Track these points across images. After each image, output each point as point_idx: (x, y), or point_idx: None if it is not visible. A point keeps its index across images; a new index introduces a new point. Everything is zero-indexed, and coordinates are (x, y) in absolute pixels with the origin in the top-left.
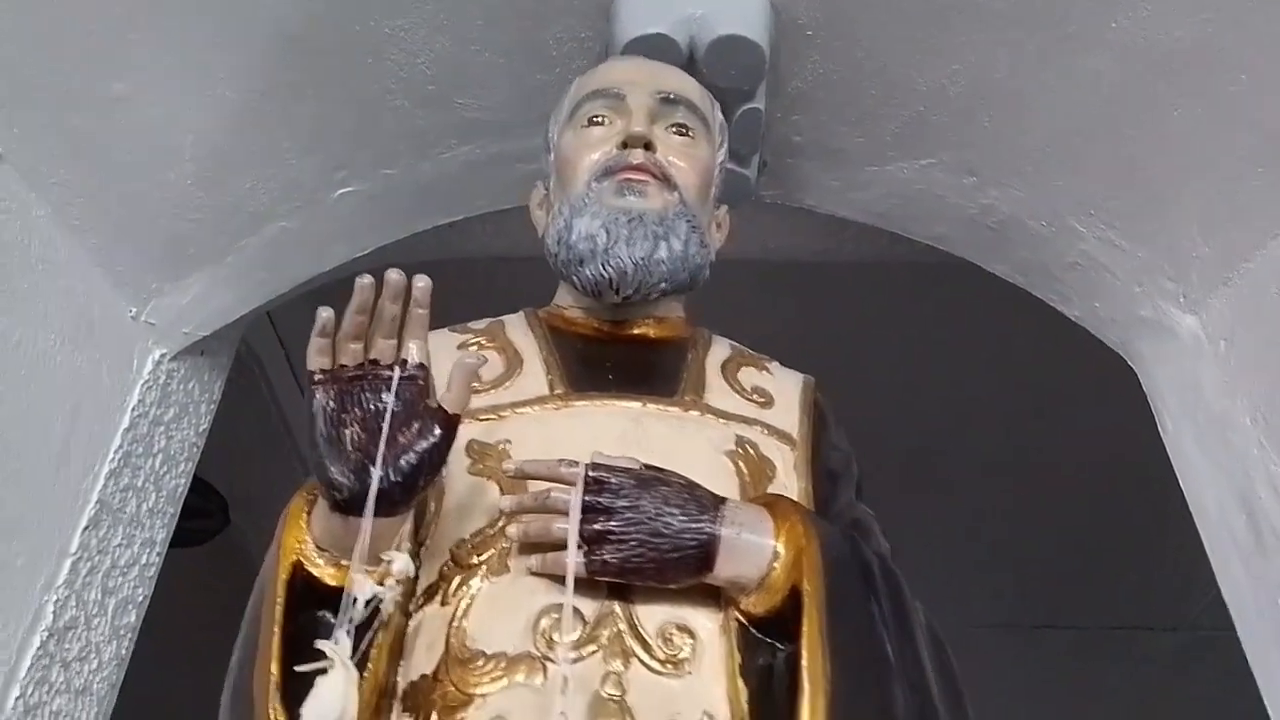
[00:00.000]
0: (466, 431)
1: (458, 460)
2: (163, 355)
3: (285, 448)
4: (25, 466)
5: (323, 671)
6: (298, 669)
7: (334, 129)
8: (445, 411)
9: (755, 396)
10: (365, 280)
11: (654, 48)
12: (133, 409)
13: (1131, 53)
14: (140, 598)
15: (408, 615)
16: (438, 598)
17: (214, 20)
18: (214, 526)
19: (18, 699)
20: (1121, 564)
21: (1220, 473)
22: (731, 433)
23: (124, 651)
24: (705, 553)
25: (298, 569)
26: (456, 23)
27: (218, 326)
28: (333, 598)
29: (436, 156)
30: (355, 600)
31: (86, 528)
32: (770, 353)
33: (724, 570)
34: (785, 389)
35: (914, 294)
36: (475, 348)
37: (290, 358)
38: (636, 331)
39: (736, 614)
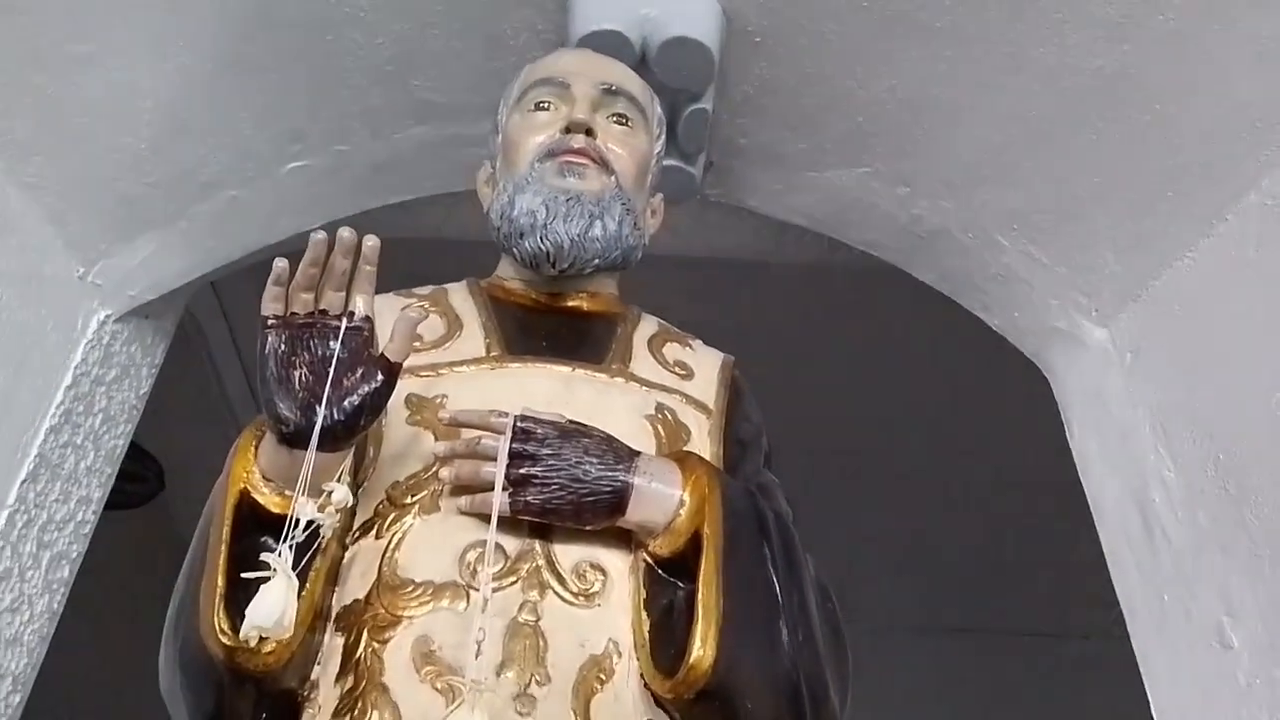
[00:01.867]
0: (406, 386)
1: (397, 411)
2: (107, 316)
3: (223, 417)
4: None
5: (266, 581)
6: (245, 575)
7: (290, 103)
8: (388, 360)
9: (677, 369)
10: (319, 235)
11: (608, 44)
12: (75, 367)
13: (1058, 76)
14: (74, 554)
15: (344, 547)
16: (373, 532)
17: None
18: (148, 491)
19: None
20: (1036, 571)
21: (1118, 476)
22: (653, 399)
23: (56, 605)
24: (619, 498)
25: (244, 496)
26: (416, 6)
27: (163, 291)
28: (276, 524)
29: (390, 136)
30: (298, 521)
31: (25, 481)
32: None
33: (634, 515)
34: (705, 364)
35: (849, 298)
36: (418, 311)
37: (232, 329)
38: (571, 304)
39: (645, 555)
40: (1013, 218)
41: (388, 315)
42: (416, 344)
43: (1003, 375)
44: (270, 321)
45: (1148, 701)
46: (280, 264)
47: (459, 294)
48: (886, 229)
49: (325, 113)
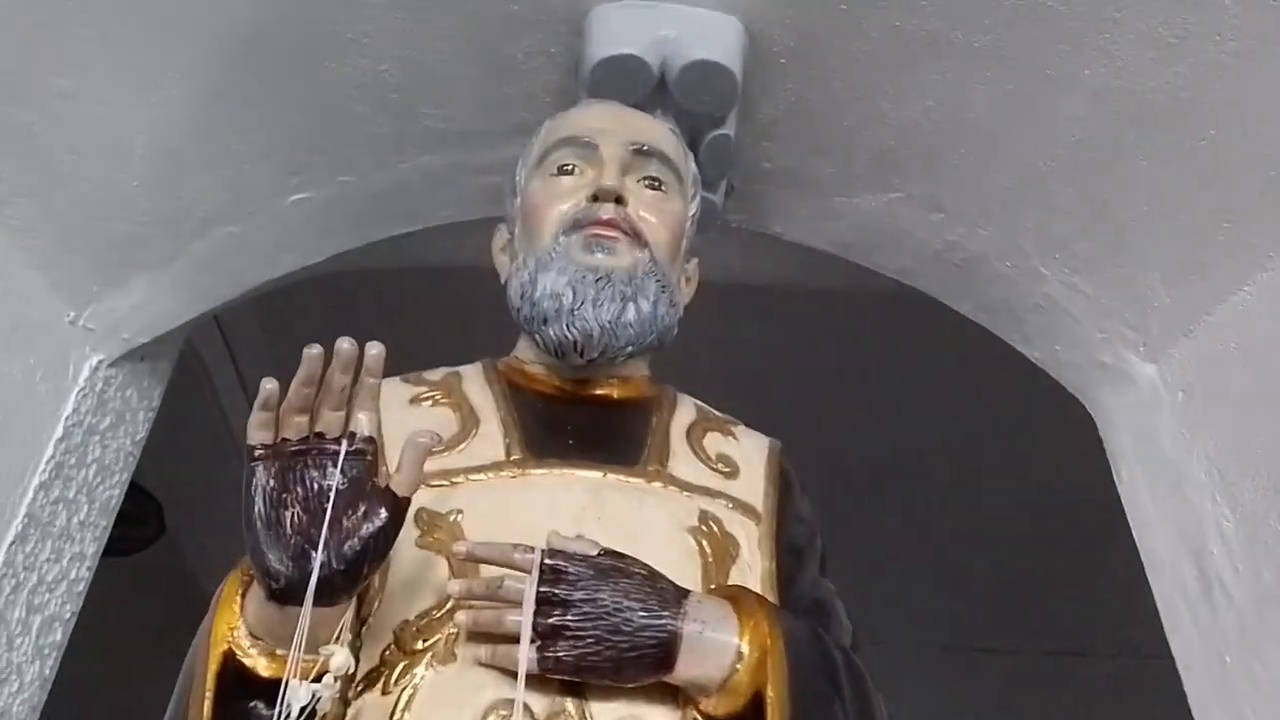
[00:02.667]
0: (416, 498)
1: (406, 531)
2: (100, 361)
3: (227, 451)
4: None
5: None
6: None
7: (290, 134)
8: (394, 493)
9: (720, 466)
10: (314, 351)
11: (625, 69)
12: (67, 418)
13: (1105, 100)
14: (67, 615)
15: (346, 703)
16: (379, 685)
17: (166, 16)
18: (148, 534)
19: None
20: (1064, 591)
21: (1173, 524)
22: (695, 507)
23: (48, 671)
24: (666, 652)
25: (229, 658)
26: (423, 32)
27: (160, 332)
28: (265, 687)
29: (396, 165)
30: (290, 709)
31: (13, 543)
32: (734, 375)
33: (685, 670)
34: (750, 457)
35: (877, 324)
36: (429, 403)
37: (236, 360)
38: (599, 392)
39: (696, 715)
40: (1055, 246)
41: (395, 408)
42: None
43: (1032, 398)
44: (258, 452)
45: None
46: (269, 385)
47: (474, 381)
48: (919, 256)
49: (327, 143)
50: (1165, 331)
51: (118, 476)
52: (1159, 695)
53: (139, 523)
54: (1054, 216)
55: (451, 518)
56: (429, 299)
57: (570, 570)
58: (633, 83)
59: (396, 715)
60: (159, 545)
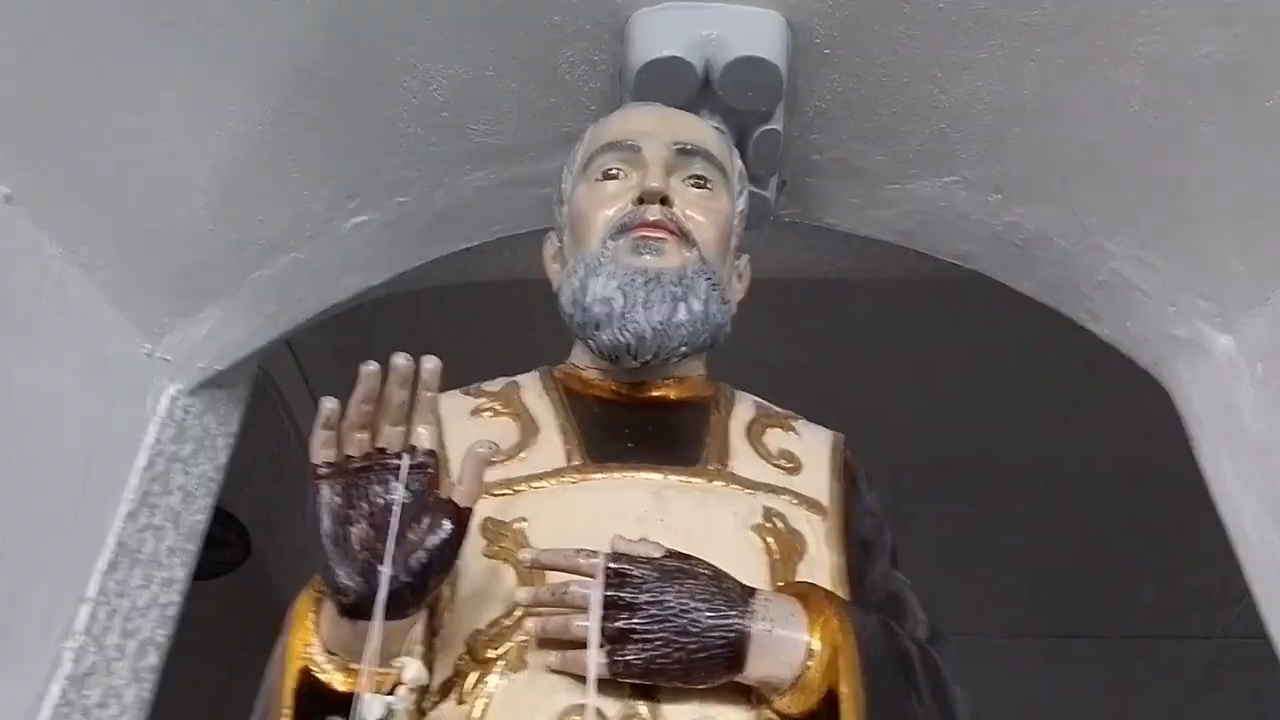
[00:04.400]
0: (481, 509)
1: (472, 540)
2: (179, 391)
3: (306, 474)
4: (41, 511)
5: None
6: None
7: (345, 158)
8: (456, 505)
9: (782, 461)
10: (370, 368)
11: (669, 71)
12: (150, 447)
13: (1162, 67)
14: (161, 638)
15: (422, 712)
16: (453, 695)
17: (220, 53)
18: (234, 557)
19: None
20: (1150, 572)
21: (1260, 498)
22: (758, 504)
23: (146, 694)
24: (735, 651)
25: (305, 675)
26: (469, 49)
27: (233, 360)
28: (342, 701)
29: (451, 183)
30: None
31: (105, 571)
32: (794, 370)
33: (755, 670)
34: (813, 450)
35: (939, 311)
36: (489, 414)
37: (309, 384)
38: (656, 394)
39: (770, 714)
40: (1119, 220)
41: (456, 421)
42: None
43: (1108, 381)
44: (321, 471)
45: (1271, 700)
46: (329, 404)
47: (532, 390)
48: (978, 239)
49: (382, 165)
50: (1239, 300)
51: (202, 502)
52: (1255, 677)
53: (225, 546)
54: (1116, 190)
55: (516, 526)
56: (490, 313)
57: (635, 573)
58: (677, 84)
59: None
60: (246, 567)
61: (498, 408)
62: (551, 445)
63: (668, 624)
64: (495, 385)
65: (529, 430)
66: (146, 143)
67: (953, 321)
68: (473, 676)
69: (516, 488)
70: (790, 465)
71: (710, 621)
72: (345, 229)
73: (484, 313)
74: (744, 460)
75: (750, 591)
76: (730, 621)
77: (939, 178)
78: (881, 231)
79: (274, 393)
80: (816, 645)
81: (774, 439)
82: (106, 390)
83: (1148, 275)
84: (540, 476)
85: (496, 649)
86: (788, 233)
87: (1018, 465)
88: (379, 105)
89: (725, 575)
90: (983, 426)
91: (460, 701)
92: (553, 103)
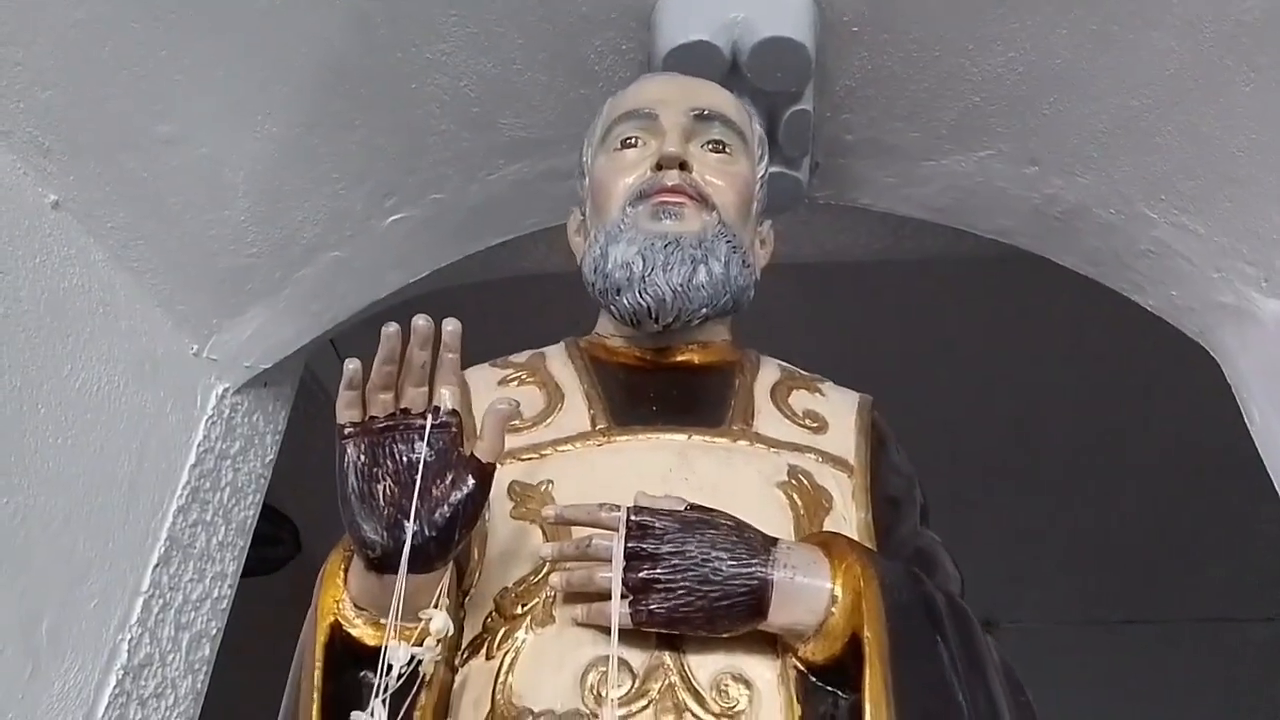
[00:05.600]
0: (508, 473)
1: (500, 504)
2: (226, 390)
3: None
4: (95, 508)
5: None
6: None
7: (381, 157)
8: (479, 460)
9: (808, 421)
10: (391, 329)
11: (696, 55)
12: (198, 445)
13: (1197, 28)
14: (214, 631)
15: (454, 670)
16: (483, 651)
17: (257, 58)
18: (286, 554)
19: None
20: (1210, 554)
21: None
22: (783, 462)
23: (200, 685)
24: (757, 599)
25: (336, 630)
26: (497, 44)
27: (279, 358)
28: (374, 657)
29: (485, 178)
30: (390, 667)
31: (157, 565)
32: (834, 357)
33: (778, 617)
34: (840, 411)
35: (980, 288)
36: (516, 383)
37: None
38: (680, 358)
39: (795, 661)
40: (1159, 186)
41: (484, 393)
42: (515, 423)
43: (1158, 352)
44: (347, 430)
45: None
46: (352, 365)
47: (558, 359)
48: (1017, 213)
49: (417, 162)
50: None
51: (251, 498)
52: None
53: (278, 544)
54: (1155, 156)
55: (543, 488)
56: (528, 307)
57: (657, 525)
58: (705, 68)
59: (500, 678)
60: (297, 564)
61: (524, 377)
62: (577, 410)
63: (690, 573)
64: (522, 357)
65: (554, 397)
66: (187, 148)
67: (996, 300)
68: (501, 632)
69: (543, 452)
70: (816, 425)
71: (732, 570)
72: (384, 227)
73: (523, 307)
74: (769, 420)
75: (772, 540)
76: (752, 569)
77: (974, 152)
78: (918, 210)
79: (321, 394)
80: (839, 591)
81: (800, 400)
82: (156, 390)
83: (1191, 242)
84: (566, 440)
85: (524, 605)
86: (823, 215)
87: (1071, 447)
88: (411, 103)
89: (747, 525)
90: (1033, 408)
91: (489, 657)
92: (583, 94)
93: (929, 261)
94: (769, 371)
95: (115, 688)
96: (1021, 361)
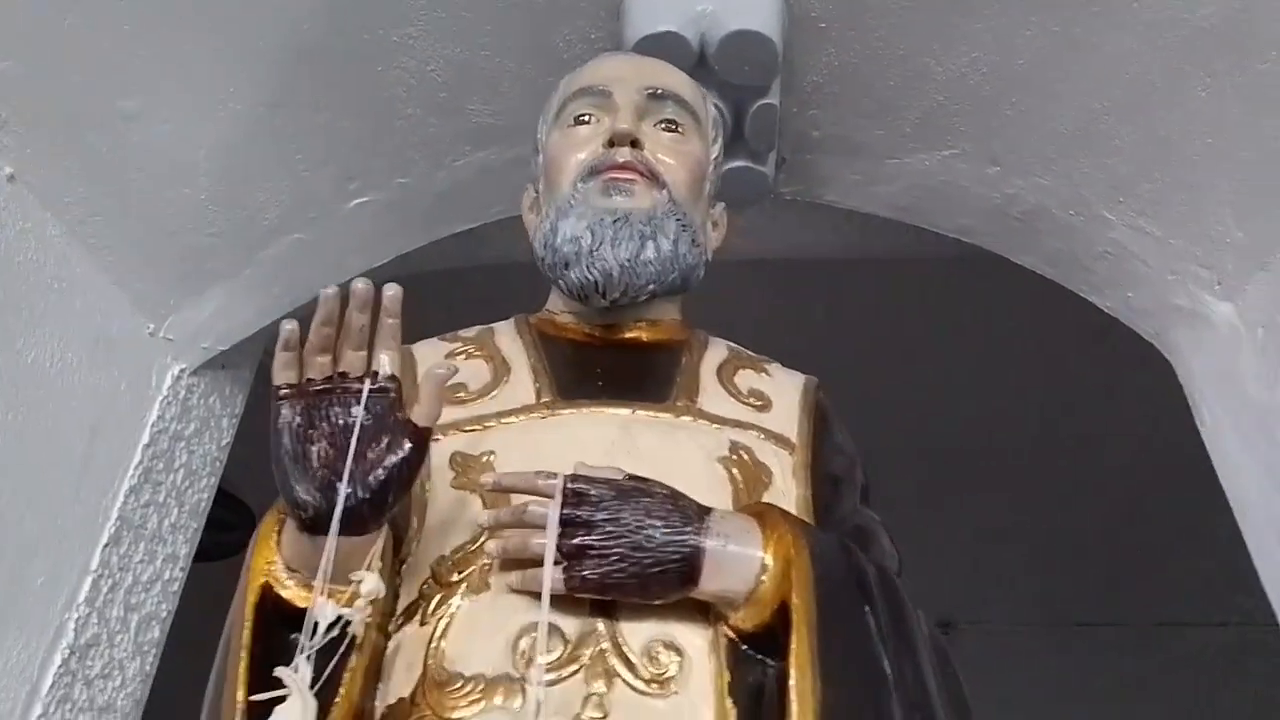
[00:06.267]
0: (450, 443)
1: (440, 474)
2: (182, 370)
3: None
4: (45, 485)
5: (283, 699)
6: (253, 699)
7: (346, 140)
8: (415, 425)
9: (752, 399)
10: (330, 291)
11: (664, 46)
12: (152, 425)
13: (1157, 32)
14: (164, 613)
15: (387, 635)
16: (417, 617)
17: (222, 35)
18: (241, 539)
19: (40, 717)
20: (1165, 558)
21: (1261, 465)
22: (725, 438)
23: (148, 668)
24: (689, 566)
25: (267, 591)
26: (465, 29)
27: (237, 340)
28: (304, 619)
29: (451, 164)
30: (316, 626)
31: (107, 545)
32: (795, 353)
33: (710, 584)
34: (784, 391)
35: (942, 288)
36: (463, 356)
37: None
38: (628, 335)
39: (726, 629)
40: (1118, 189)
41: (430, 363)
42: (461, 394)
43: (1116, 356)
44: (283, 392)
45: None
46: (289, 326)
47: (506, 334)
48: (979, 212)
49: (383, 146)
50: (1239, 267)
51: (206, 480)
52: (1276, 664)
53: (232, 528)
54: (1114, 159)
55: (484, 459)
56: (492, 293)
57: (593, 492)
58: (673, 59)
59: (433, 644)
60: None
61: (471, 350)
62: (522, 384)
63: (623, 540)
64: (471, 331)
65: (501, 371)
66: (149, 124)
67: (959, 299)
68: (436, 599)
69: (486, 424)
70: (760, 403)
71: (665, 537)
72: (347, 210)
73: (487, 294)
74: (713, 398)
75: (706, 509)
76: (685, 537)
77: (938, 151)
78: (882, 208)
79: None
80: (769, 560)
81: (745, 379)
82: (110, 369)
83: (1148, 244)
84: (510, 413)
85: (460, 572)
86: (788, 210)
87: (1029, 446)
88: (378, 87)
89: (682, 495)
90: (991, 407)
91: (423, 623)
92: (551, 82)
93: (893, 259)
94: (716, 351)
95: (60, 666)
96: (984, 362)
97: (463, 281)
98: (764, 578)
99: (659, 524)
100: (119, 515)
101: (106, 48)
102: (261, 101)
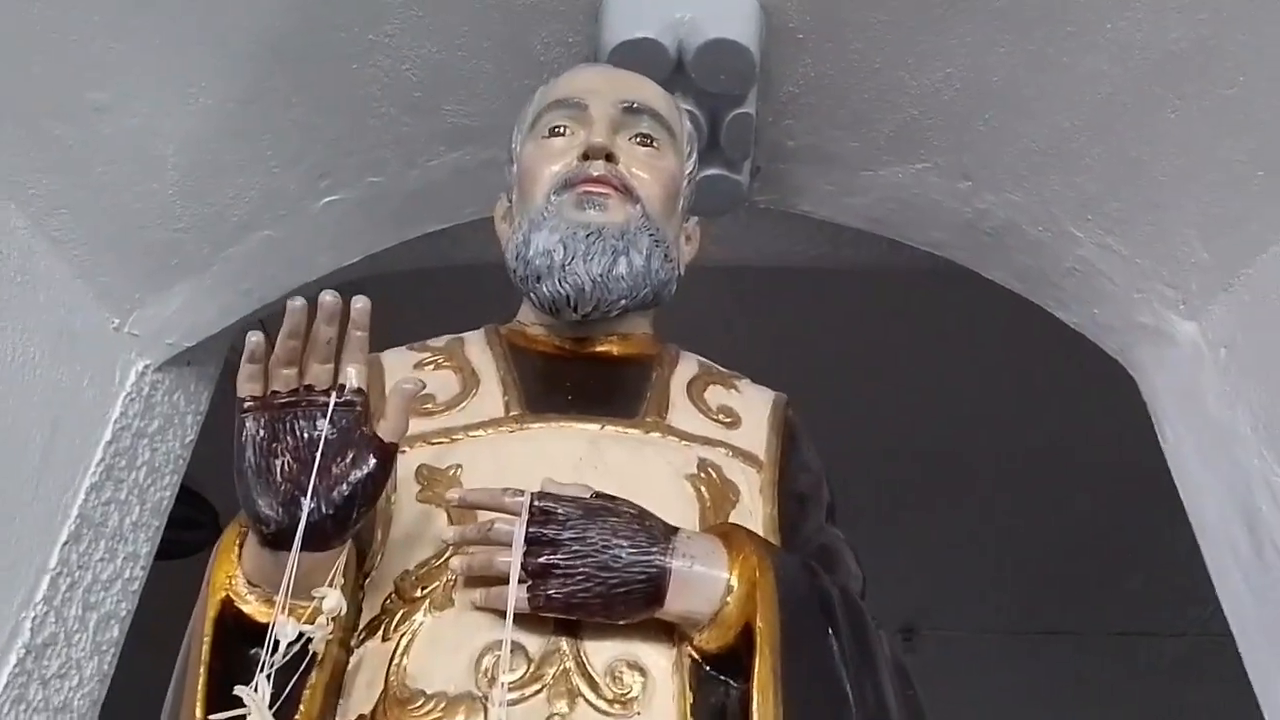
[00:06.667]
0: (417, 456)
1: (406, 487)
2: (146, 366)
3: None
4: (3, 481)
5: (243, 719)
6: (213, 717)
7: (318, 137)
8: (381, 440)
9: (721, 416)
10: (297, 303)
11: (642, 52)
12: (115, 421)
13: (1129, 54)
14: (123, 613)
15: (349, 650)
16: (380, 633)
17: (194, 28)
18: (205, 538)
19: None
20: (1126, 569)
21: (1221, 484)
22: (693, 455)
23: (107, 667)
24: (655, 587)
25: (227, 606)
26: (442, 29)
27: (203, 337)
28: (265, 635)
29: (424, 163)
30: (277, 644)
31: (66, 542)
32: (765, 360)
33: (675, 605)
34: (754, 407)
35: (912, 300)
36: (431, 367)
37: None
38: (599, 349)
39: (690, 650)
40: (1086, 207)
41: (398, 373)
42: (429, 406)
43: (1080, 371)
44: (247, 404)
45: (1245, 698)
46: (254, 337)
47: (476, 345)
48: (950, 226)
49: (355, 145)
50: (1203, 287)
51: (169, 479)
52: (1228, 674)
53: (195, 526)
54: (1084, 177)
55: (451, 473)
56: (463, 295)
57: (559, 511)
58: (650, 66)
59: (395, 660)
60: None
61: (440, 361)
62: (491, 396)
63: (589, 559)
64: (440, 341)
65: (470, 382)
66: (117, 116)
67: (929, 311)
68: (399, 615)
69: (454, 436)
70: (729, 420)
71: (631, 557)
72: (317, 208)
73: (457, 296)
74: (682, 414)
75: (673, 530)
76: (651, 557)
77: (911, 165)
78: (855, 219)
79: None
80: (735, 581)
81: (715, 395)
82: (73, 364)
83: (1114, 262)
84: (478, 426)
85: (424, 588)
86: (762, 219)
87: (995, 457)
88: (351, 84)
89: (649, 514)
90: (959, 418)
91: (385, 639)
92: (527, 84)
93: (865, 270)
94: (687, 366)
95: (15, 666)
96: (951, 374)
97: (434, 282)
98: (729, 599)
99: (625, 544)
100: (79, 512)
101: (75, 39)
102: (233, 97)
